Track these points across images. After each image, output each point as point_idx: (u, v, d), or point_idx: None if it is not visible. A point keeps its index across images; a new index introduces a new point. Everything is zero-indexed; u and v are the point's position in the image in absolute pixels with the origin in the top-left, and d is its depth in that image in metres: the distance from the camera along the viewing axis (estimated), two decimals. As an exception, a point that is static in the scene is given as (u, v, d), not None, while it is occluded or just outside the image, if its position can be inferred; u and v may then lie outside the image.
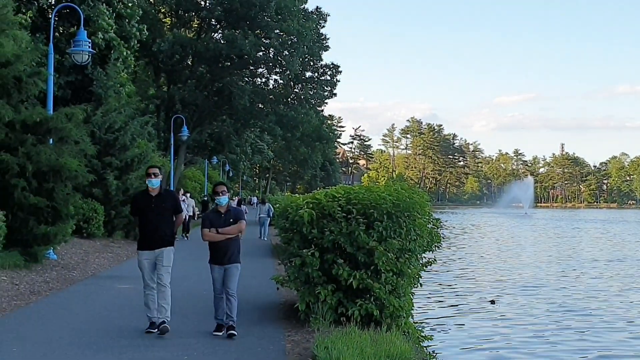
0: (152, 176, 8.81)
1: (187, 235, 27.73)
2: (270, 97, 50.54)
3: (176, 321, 9.17)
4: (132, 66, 32.47)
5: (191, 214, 28.35)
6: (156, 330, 8.58)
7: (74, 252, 18.73)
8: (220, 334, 8.66)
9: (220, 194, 8.80)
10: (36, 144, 15.43)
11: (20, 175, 14.98)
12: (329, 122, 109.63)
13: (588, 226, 70.63)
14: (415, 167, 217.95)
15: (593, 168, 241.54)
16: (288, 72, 47.83)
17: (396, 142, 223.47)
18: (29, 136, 15.39)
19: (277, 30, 45.93)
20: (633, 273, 25.37)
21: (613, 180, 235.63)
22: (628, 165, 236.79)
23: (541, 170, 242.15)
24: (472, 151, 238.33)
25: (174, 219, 8.94)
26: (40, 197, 15.24)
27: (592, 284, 22.10)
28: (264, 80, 51.31)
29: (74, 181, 16.43)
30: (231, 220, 8.69)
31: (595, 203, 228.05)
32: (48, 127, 15.79)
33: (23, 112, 15.87)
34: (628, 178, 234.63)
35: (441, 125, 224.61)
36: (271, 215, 29.53)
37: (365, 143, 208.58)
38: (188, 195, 31.41)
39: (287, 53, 47.19)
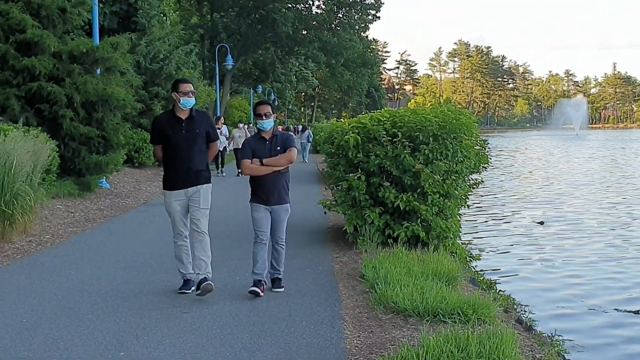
0: (264, 117, 6.92)
1: (222, 170, 24.03)
2: (314, 23, 49.97)
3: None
4: (175, -5, 32.34)
5: (226, 144, 24.26)
6: (195, 289, 6.94)
7: (126, 180, 19.17)
8: (258, 290, 6.83)
9: (264, 117, 6.91)
10: (83, 74, 15.64)
11: (69, 105, 15.26)
12: (373, 47, 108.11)
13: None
14: (463, 91, 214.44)
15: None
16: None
17: (443, 66, 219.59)
18: (76, 66, 15.59)
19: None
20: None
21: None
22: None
23: (593, 90, 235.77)
24: (522, 73, 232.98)
25: (208, 148, 7.08)
26: (90, 127, 15.55)
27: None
28: (307, 6, 50.64)
29: (122, 110, 16.71)
30: (278, 148, 6.90)
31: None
32: (94, 57, 15.94)
33: (69, 42, 16.05)
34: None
35: (490, 47, 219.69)
36: (310, 140, 35.54)
37: (411, 68, 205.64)
38: (222, 121, 25.06)
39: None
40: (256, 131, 7.18)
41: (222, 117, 26.38)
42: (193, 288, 6.97)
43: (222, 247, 9.43)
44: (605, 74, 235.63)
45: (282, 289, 7.05)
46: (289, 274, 7.55)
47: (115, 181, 18.24)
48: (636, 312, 9.25)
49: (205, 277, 6.80)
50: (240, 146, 22.44)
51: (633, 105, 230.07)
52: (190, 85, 6.87)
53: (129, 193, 17.18)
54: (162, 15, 27.26)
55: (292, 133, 38.90)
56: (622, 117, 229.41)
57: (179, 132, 6.80)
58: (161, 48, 25.08)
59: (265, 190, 6.90)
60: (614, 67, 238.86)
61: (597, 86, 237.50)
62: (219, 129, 23.15)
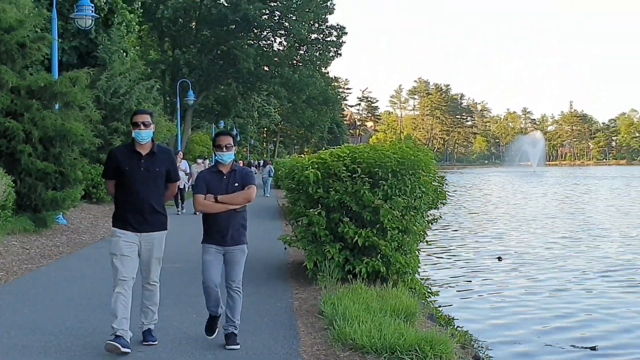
0: (142, 126, 6.16)
1: (183, 207, 22.40)
2: (275, 59, 50.37)
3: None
4: (136, 31, 32.35)
5: (186, 181, 22.83)
6: (143, 340, 6.38)
7: (83, 216, 18.89)
8: (213, 336, 6.51)
9: (225, 149, 6.29)
10: (41, 109, 15.48)
11: (27, 141, 15.07)
12: (334, 84, 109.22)
13: (600, 182, 70.46)
14: (423, 128, 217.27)
15: (602, 125, 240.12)
16: (293, 35, 47.60)
17: (404, 103, 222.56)
18: (34, 102, 15.44)
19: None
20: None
21: (622, 136, 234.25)
22: (637, 121, 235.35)
23: (550, 128, 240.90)
24: (480, 110, 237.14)
25: (166, 188, 6.42)
26: (47, 162, 15.34)
27: (598, 243, 22.13)
28: (268, 42, 51.10)
29: (80, 146, 16.53)
30: (236, 184, 6.28)
31: (604, 160, 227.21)
32: (53, 92, 15.80)
33: (28, 77, 15.92)
34: (637, 134, 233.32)
35: (449, 85, 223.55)
36: (272, 175, 36.20)
37: (372, 104, 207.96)
38: (180, 156, 23.43)
39: (292, 16, 46.90)
40: (213, 164, 6.58)
41: (182, 152, 25.96)
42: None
43: (180, 284, 9.33)
44: (562, 111, 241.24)
45: (238, 347, 6.24)
46: (247, 311, 7.48)
47: (72, 217, 17.97)
48: (592, 348, 9.34)
49: (149, 329, 6.40)
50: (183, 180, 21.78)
51: (589, 143, 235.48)
52: (147, 116, 6.27)
53: (86, 229, 16.92)
54: (122, 51, 27.15)
55: (253, 168, 39.04)
56: (578, 155, 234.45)
57: (137, 169, 6.16)
58: (122, 83, 24.97)
59: (220, 230, 6.26)
60: (571, 105, 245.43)
61: (554, 124, 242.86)
62: (177, 164, 22.63)
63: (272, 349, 6.20)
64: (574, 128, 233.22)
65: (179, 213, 21.86)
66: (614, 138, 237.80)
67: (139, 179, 6.16)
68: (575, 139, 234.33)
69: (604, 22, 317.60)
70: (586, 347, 9.39)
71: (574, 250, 19.55)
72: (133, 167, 6.18)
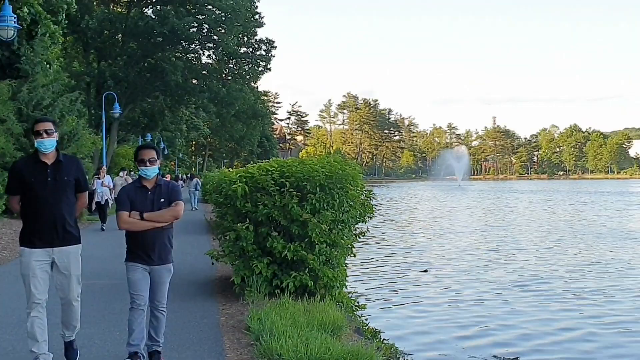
0: (44, 134, 5.75)
1: (104, 225, 21.48)
2: (204, 73, 49.97)
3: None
4: (61, 42, 31.56)
5: (109, 196, 21.79)
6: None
7: (4, 232, 18.25)
8: None
9: (148, 163, 5.99)
10: (-41, 121, 14.95)
11: (-57, 154, 14.52)
12: (264, 98, 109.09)
13: (521, 196, 72.62)
14: (352, 142, 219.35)
15: (524, 140, 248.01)
16: (221, 48, 47.36)
17: (333, 117, 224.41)
18: (-49, 114, 14.90)
19: (210, 7, 45.38)
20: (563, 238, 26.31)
21: (543, 152, 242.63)
22: (558, 137, 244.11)
23: (474, 143, 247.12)
24: (407, 125, 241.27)
25: (77, 199, 6.00)
26: (-36, 176, 14.81)
27: (518, 255, 22.77)
28: (196, 55, 50.69)
29: (1, 159, 16.03)
30: (162, 200, 6.01)
31: (526, 174, 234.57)
32: (-29, 104, 15.29)
33: (-56, 88, 15.34)
34: (558, 149, 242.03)
35: (377, 100, 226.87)
36: (199, 189, 36.73)
37: (302, 119, 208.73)
38: (104, 171, 22.98)
39: (221, 30, 46.68)
40: (137, 179, 6.22)
41: (105, 167, 25.18)
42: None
43: (102, 301, 9.10)
44: (486, 127, 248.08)
45: None
46: (172, 328, 7.37)
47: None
48: (515, 359, 9.57)
49: (71, 342, 6.11)
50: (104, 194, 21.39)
51: (512, 158, 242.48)
52: (50, 124, 5.81)
53: (6, 245, 16.35)
54: (45, 63, 26.42)
55: (180, 182, 38.61)
56: (501, 169, 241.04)
57: (44, 179, 5.71)
58: (45, 95, 24.30)
59: (145, 248, 5.97)
60: (494, 120, 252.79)
61: (478, 139, 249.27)
62: (99, 178, 21.58)
63: (198, 365, 6.12)
64: (497, 143, 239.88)
65: (104, 229, 21.13)
66: (535, 153, 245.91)
67: (47, 191, 5.72)
68: (498, 154, 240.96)
69: (527, 39, 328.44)
70: (508, 359, 9.61)
71: (495, 262, 20.11)
72: (39, 178, 5.73)
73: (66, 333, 6.10)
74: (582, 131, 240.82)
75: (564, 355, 10.05)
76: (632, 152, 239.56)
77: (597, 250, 23.22)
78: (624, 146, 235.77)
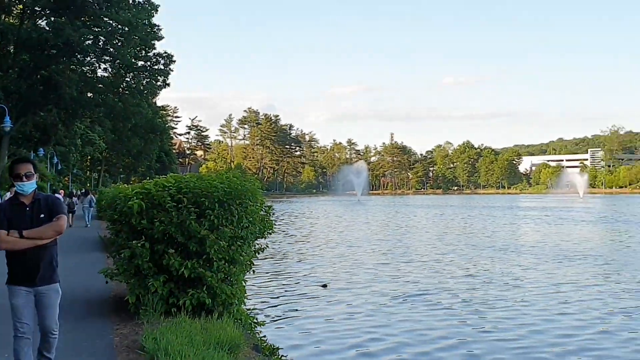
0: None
1: None
2: (100, 86, 48.70)
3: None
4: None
5: None
6: None
7: None
8: None
9: (24, 178, 5.62)
10: None
11: None
12: (163, 112, 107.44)
13: (416, 211, 74.48)
14: (253, 157, 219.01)
15: (420, 156, 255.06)
16: (118, 61, 46.34)
17: (234, 132, 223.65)
18: None
19: (107, 19, 44.35)
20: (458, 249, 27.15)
21: (438, 167, 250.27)
22: (452, 153, 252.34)
23: (373, 158, 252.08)
24: (308, 141, 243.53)
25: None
26: None
27: (416, 265, 23.31)
28: (92, 68, 49.33)
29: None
30: (42, 215, 5.60)
31: (422, 190, 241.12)
32: None
33: None
34: (452, 165, 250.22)
35: (278, 115, 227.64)
36: (93, 205, 36.01)
37: (202, 133, 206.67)
38: None
39: (117, 42, 45.68)
40: (13, 195, 5.82)
41: None
42: None
43: None
44: (384, 143, 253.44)
45: None
46: (64, 350, 7.07)
47: None
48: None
49: None
50: None
51: (409, 173, 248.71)
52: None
53: None
54: None
55: (75, 199, 37.27)
56: (399, 184, 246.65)
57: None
58: None
59: (27, 269, 5.55)
60: (392, 137, 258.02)
61: (377, 154, 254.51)
62: None
63: (89, 389, 5.89)
64: (395, 159, 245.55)
65: None
66: (430, 169, 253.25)
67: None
68: (396, 169, 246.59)
69: (422, 57, 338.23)
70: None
71: (392, 275, 20.58)
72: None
73: None
74: (475, 148, 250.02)
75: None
76: (521, 168, 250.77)
77: (483, 262, 24.15)
78: (514, 162, 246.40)
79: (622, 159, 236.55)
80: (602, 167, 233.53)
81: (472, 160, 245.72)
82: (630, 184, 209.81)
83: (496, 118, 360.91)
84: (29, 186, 5.65)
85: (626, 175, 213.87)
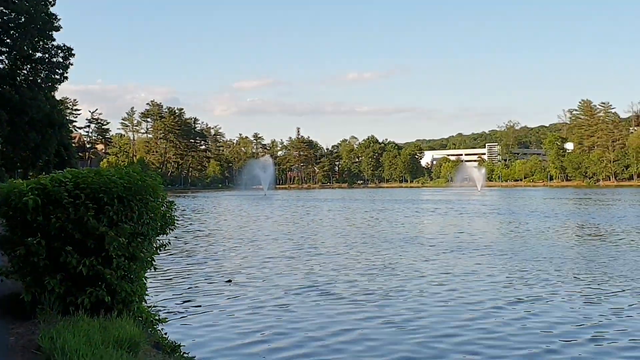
0: None
1: None
2: (-6, 77, 46.72)
3: None
4: None
5: None
6: None
7: None
8: None
9: None
10: None
11: None
12: (60, 107, 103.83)
13: (322, 205, 75.21)
14: (157, 152, 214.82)
15: (326, 150, 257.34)
16: (15, 52, 44.54)
17: (136, 126, 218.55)
18: None
19: (3, 9, 42.58)
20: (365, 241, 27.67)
21: (344, 162, 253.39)
22: (357, 147, 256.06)
23: (279, 153, 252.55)
24: (214, 135, 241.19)
25: None
26: None
27: (319, 258, 23.61)
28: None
29: None
30: None
31: (328, 184, 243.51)
32: None
33: None
34: (357, 160, 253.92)
35: (182, 109, 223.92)
36: None
37: (103, 127, 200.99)
38: None
39: (14, 33, 43.90)
40: None
41: None
42: None
43: None
44: (290, 137, 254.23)
45: None
46: (-47, 352, 6.83)
47: None
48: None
49: None
50: None
51: (315, 167, 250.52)
52: None
53: None
54: None
55: None
56: (305, 178, 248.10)
57: None
58: None
59: None
60: (298, 131, 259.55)
61: (283, 149, 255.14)
62: None
63: (-19, 392, 5.72)
64: (301, 153, 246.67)
65: None
66: (336, 163, 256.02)
67: None
68: (302, 164, 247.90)
69: (327, 52, 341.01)
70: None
71: (295, 269, 20.87)
72: None
73: None
74: (379, 142, 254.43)
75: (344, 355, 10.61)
76: (423, 162, 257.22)
77: (386, 254, 24.79)
78: (416, 157, 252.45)
79: (518, 154, 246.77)
80: (499, 161, 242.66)
81: (376, 154, 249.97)
82: (525, 177, 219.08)
83: (399, 113, 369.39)
84: None
85: (521, 169, 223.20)
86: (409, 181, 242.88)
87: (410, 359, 10.49)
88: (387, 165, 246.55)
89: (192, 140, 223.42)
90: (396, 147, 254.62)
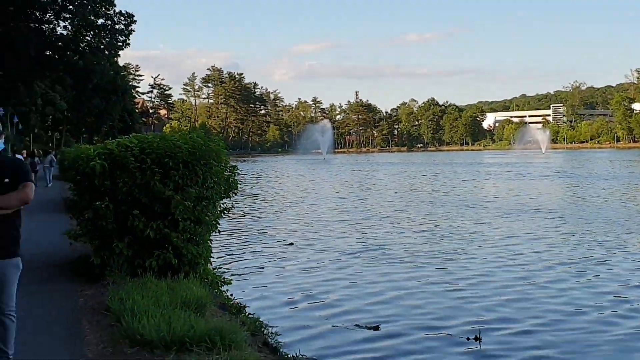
0: None
1: None
2: (59, 44, 47.56)
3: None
4: None
5: None
6: None
7: None
8: None
9: None
10: None
11: None
12: (123, 73, 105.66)
13: (381, 169, 74.95)
14: (217, 117, 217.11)
15: (385, 114, 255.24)
16: (78, 19, 45.23)
17: (197, 91, 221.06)
18: None
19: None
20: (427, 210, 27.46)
21: (403, 125, 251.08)
22: (417, 110, 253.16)
23: (338, 117, 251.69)
24: (273, 100, 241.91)
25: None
26: None
27: (385, 224, 23.53)
28: (51, 26, 48.08)
29: None
30: (6, 180, 4.93)
31: (387, 147, 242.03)
32: None
33: None
34: (416, 123, 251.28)
35: (242, 73, 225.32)
36: (54, 165, 37.05)
37: (165, 92, 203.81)
38: None
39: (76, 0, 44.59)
40: None
41: None
42: None
43: None
44: (349, 101, 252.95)
45: None
46: (29, 312, 7.05)
47: None
48: (375, 328, 9.89)
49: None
50: None
51: (374, 131, 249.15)
52: None
53: None
54: None
55: (36, 159, 36.83)
56: (364, 142, 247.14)
57: None
58: None
59: None
60: (357, 95, 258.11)
61: (342, 113, 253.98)
62: None
63: (55, 350, 5.91)
64: (360, 117, 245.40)
65: None
66: (395, 126, 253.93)
67: None
68: (361, 127, 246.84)
69: (385, 14, 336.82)
70: (370, 327, 9.94)
71: (352, 231, 20.86)
72: None
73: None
74: (439, 105, 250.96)
75: (418, 320, 10.54)
76: (485, 125, 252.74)
77: (447, 217, 24.53)
78: (478, 119, 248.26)
79: (584, 115, 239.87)
80: (564, 122, 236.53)
81: (436, 117, 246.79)
82: (591, 139, 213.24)
83: (460, 75, 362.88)
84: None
85: (587, 130, 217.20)
86: (470, 144, 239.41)
87: (473, 323, 10.38)
88: (447, 128, 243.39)
89: (252, 105, 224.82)
90: (457, 109, 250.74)
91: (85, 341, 6.20)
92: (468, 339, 9.37)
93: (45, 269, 10.08)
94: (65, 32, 48.62)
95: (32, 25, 46.48)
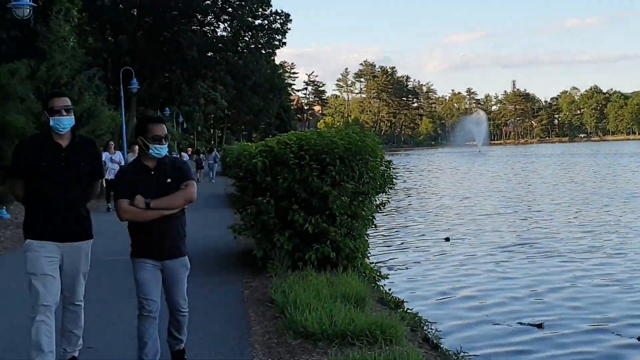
0: (63, 112, 4.95)
1: (110, 205, 18.43)
2: (220, 45, 49.88)
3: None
4: (76, 19, 31.62)
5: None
6: None
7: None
8: None
9: (164, 141, 4.98)
10: (-21, 102, 15.08)
11: (-35, 134, 14.68)
12: (280, 71, 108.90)
13: (545, 161, 72.14)
14: (370, 111, 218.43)
15: (544, 103, 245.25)
16: (236, 20, 47.21)
17: (350, 86, 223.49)
18: (-28, 95, 15.03)
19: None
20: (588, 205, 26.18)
21: (564, 114, 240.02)
22: (578, 99, 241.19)
23: (493, 108, 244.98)
24: (426, 92, 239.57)
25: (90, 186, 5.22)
26: (-13, 156, 14.96)
27: (543, 218, 22.69)
28: (212, 29, 50.55)
29: (22, 139, 16.16)
30: (169, 180, 4.98)
31: (547, 138, 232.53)
32: (-9, 84, 15.41)
33: (-37, 69, 15.47)
34: (579, 112, 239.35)
35: (394, 67, 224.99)
36: (218, 161, 39.66)
37: (319, 89, 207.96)
38: (113, 147, 21.02)
39: (235, 2, 46.54)
40: (136, 157, 5.20)
41: (112, 142, 21.89)
42: None
43: (103, 303, 7.62)
44: (505, 91, 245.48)
45: None
46: (197, 302, 7.42)
47: (17, 211, 17.53)
48: (539, 326, 9.57)
49: (74, 357, 5.17)
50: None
51: (532, 122, 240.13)
52: (67, 99, 5.05)
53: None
54: (62, 39, 26.46)
55: (201, 156, 39.14)
56: (522, 133, 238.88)
57: (57, 163, 4.92)
58: (62, 73, 24.40)
59: (154, 241, 4.95)
60: (514, 84, 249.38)
61: (498, 103, 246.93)
62: (110, 155, 19.72)
63: (223, 339, 6.20)
64: (517, 107, 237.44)
65: (110, 210, 17.94)
66: (556, 116, 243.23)
67: (60, 176, 4.93)
68: (518, 118, 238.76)
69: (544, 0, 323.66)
70: (532, 324, 9.64)
71: (508, 225, 20.32)
72: (53, 161, 4.92)
73: (67, 348, 5.15)
74: (603, 92, 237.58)
75: (582, 318, 10.07)
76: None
77: (610, 212, 23.29)
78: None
79: None
80: None
81: (600, 105, 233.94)
82: None
83: (625, 60, 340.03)
84: (165, 150, 5.02)
85: None
86: (637, 133, 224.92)
87: (628, 316, 9.85)
88: (612, 116, 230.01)
89: (404, 99, 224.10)
90: (622, 96, 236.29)
91: (253, 331, 6.47)
92: (639, 338, 8.86)
93: (212, 262, 10.62)
94: (225, 34, 50.93)
95: (194, 28, 49.08)
